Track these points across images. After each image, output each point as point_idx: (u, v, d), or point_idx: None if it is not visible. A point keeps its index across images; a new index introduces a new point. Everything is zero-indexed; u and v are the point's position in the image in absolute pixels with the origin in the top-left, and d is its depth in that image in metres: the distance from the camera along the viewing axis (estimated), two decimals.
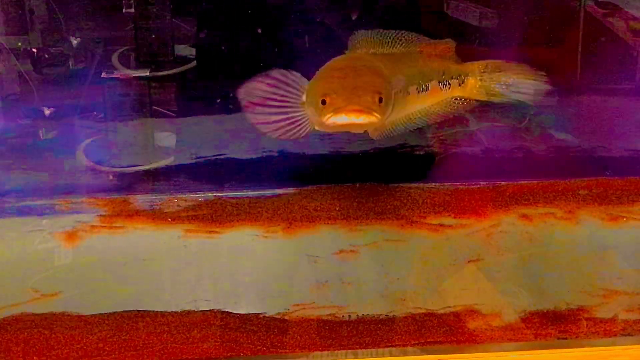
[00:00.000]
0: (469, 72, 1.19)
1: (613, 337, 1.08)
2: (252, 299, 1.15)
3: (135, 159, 1.46)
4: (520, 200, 1.31)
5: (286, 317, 1.11)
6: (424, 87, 1.14)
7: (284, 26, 1.58)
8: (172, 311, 1.11)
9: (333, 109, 0.98)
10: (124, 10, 1.61)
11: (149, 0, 1.60)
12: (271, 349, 1.06)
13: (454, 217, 1.28)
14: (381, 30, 1.16)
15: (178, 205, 1.29)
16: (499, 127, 1.53)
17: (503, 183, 1.35)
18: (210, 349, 1.06)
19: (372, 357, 1.06)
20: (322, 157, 1.43)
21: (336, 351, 1.07)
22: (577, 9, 1.74)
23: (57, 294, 1.15)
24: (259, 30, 1.58)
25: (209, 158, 1.42)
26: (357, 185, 1.34)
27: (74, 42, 1.67)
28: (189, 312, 1.11)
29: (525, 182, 1.35)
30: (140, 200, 1.30)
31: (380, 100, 1.00)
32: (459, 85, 1.18)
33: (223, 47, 1.62)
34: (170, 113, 1.61)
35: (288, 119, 1.07)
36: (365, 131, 1.10)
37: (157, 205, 1.29)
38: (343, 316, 1.12)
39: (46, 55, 1.61)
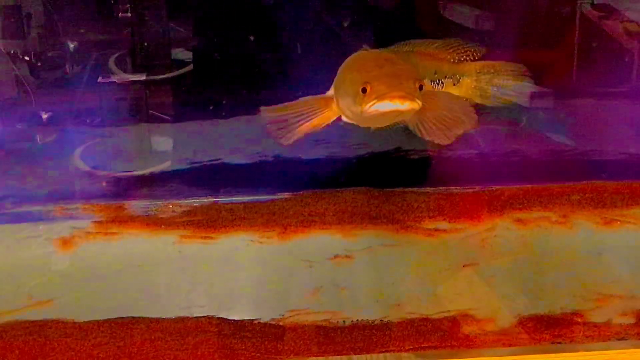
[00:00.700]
0: (465, 72, 1.18)
1: (607, 342, 1.08)
2: (247, 305, 1.15)
3: (131, 164, 1.46)
4: (515, 205, 1.31)
5: (281, 323, 1.11)
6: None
7: (280, 30, 1.59)
8: (166, 317, 1.11)
9: (376, 96, 0.97)
10: (120, 14, 1.62)
11: (146, 5, 1.60)
12: (265, 355, 1.06)
13: (449, 222, 1.28)
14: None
15: (173, 211, 1.29)
16: (496, 130, 1.53)
17: (498, 187, 1.35)
18: (204, 355, 1.06)
19: None
20: (317, 162, 1.43)
21: (331, 357, 1.07)
22: (573, 12, 1.75)
23: (52, 301, 1.15)
24: (253, 36, 1.59)
25: (204, 163, 1.43)
26: (352, 190, 1.34)
27: (71, 46, 1.67)
28: (183, 319, 1.11)
29: (520, 186, 1.35)
30: (135, 206, 1.30)
31: (421, 87, 1.00)
32: (454, 85, 1.17)
33: (219, 51, 1.62)
34: (166, 117, 1.61)
35: (314, 118, 1.09)
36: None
37: (152, 211, 1.29)
38: (338, 322, 1.12)
39: (43, 60, 1.61)
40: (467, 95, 1.19)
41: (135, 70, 1.61)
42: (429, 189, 1.35)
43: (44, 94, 1.58)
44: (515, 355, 1.06)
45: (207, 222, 1.27)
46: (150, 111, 1.63)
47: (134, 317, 1.11)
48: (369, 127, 1.14)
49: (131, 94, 1.60)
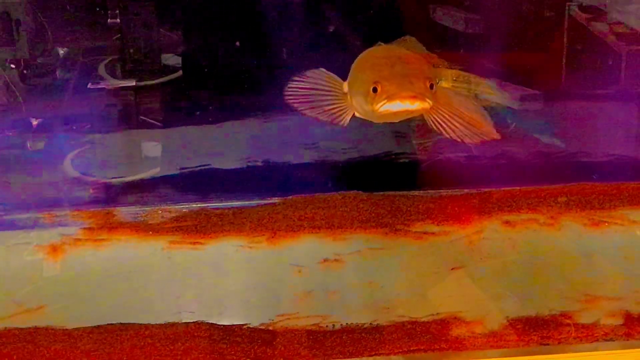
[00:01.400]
0: (442, 77, 1.19)
1: (595, 343, 1.09)
2: (237, 310, 1.15)
3: (121, 170, 1.46)
4: (503, 207, 1.31)
5: (270, 328, 1.11)
6: None
7: (268, 35, 1.59)
8: (156, 323, 1.11)
9: (386, 96, 0.98)
10: (109, 20, 1.62)
11: (135, 11, 1.60)
12: None
13: (438, 225, 1.28)
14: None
15: (162, 217, 1.29)
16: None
17: (486, 189, 1.35)
18: None
19: None
20: (306, 166, 1.43)
21: None
22: (561, 14, 1.76)
23: (41, 308, 1.15)
24: (242, 42, 1.59)
25: (194, 169, 1.43)
26: (341, 194, 1.35)
27: (61, 52, 1.67)
28: (173, 324, 1.11)
29: (508, 188, 1.35)
30: (124, 212, 1.31)
31: (432, 86, 1.01)
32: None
33: (209, 57, 1.63)
34: (156, 123, 1.62)
35: (331, 110, 1.09)
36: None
37: (141, 217, 1.29)
38: (327, 326, 1.12)
39: (33, 66, 1.61)
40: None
41: (125, 76, 1.62)
42: (417, 193, 1.35)
43: (33, 100, 1.58)
44: (505, 357, 1.06)
45: (197, 228, 1.27)
46: (141, 117, 1.64)
47: (123, 324, 1.10)
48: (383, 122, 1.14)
49: (121, 99, 1.60)
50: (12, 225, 1.29)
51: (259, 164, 1.43)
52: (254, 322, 1.12)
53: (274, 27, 1.58)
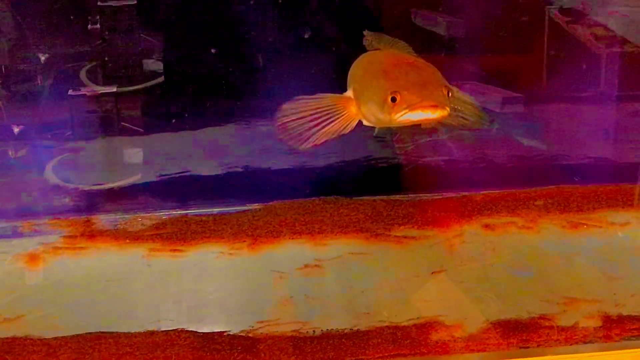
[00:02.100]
0: None
1: (574, 345, 1.09)
2: (217, 317, 1.15)
3: (101, 177, 1.45)
4: (483, 210, 1.32)
5: (250, 335, 1.11)
6: None
7: (250, 41, 1.59)
8: (135, 332, 1.10)
9: (407, 105, 0.98)
10: (89, 26, 1.61)
11: (117, 17, 1.60)
12: None
13: (418, 229, 1.28)
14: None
15: (142, 224, 1.28)
16: (467, 136, 1.54)
17: (466, 193, 1.36)
18: None
19: None
20: (287, 171, 1.43)
21: None
22: (541, 17, 1.77)
23: (20, 317, 1.14)
24: (224, 48, 1.59)
25: (173, 175, 1.42)
26: (322, 199, 1.35)
27: (42, 58, 1.66)
28: (152, 333, 1.10)
29: (488, 191, 1.36)
30: (104, 219, 1.30)
31: (448, 93, 1.01)
32: None
33: (190, 62, 1.62)
34: (137, 129, 1.61)
35: (332, 124, 1.08)
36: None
37: (121, 224, 1.29)
38: (308, 331, 1.12)
39: (13, 73, 1.60)
40: None
41: (106, 83, 1.61)
42: (398, 197, 1.36)
43: (14, 107, 1.57)
44: None
45: (177, 235, 1.27)
46: (122, 123, 1.63)
47: (102, 332, 1.10)
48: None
49: (102, 106, 1.60)
50: None
51: (239, 170, 1.43)
52: (235, 329, 1.12)
53: (255, 33, 1.58)
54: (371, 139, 1.50)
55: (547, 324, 1.11)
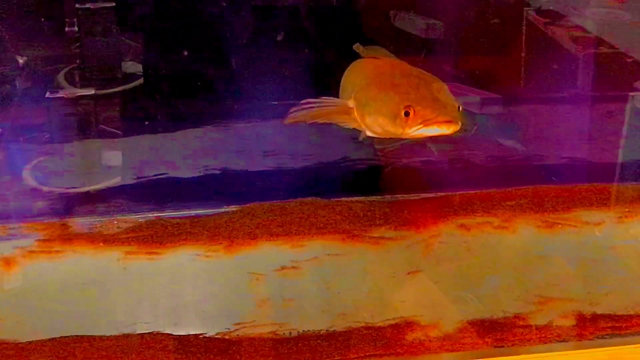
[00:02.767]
0: None
1: (549, 344, 1.10)
2: (193, 320, 1.14)
3: (78, 180, 1.45)
4: (459, 211, 1.32)
5: (227, 337, 1.11)
6: None
7: (229, 44, 1.59)
8: (110, 335, 1.10)
9: (422, 121, 0.98)
10: (66, 28, 1.61)
11: (95, 19, 1.59)
12: None
13: (395, 230, 1.29)
14: None
15: (118, 227, 1.28)
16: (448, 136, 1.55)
17: (442, 194, 1.37)
18: None
19: None
20: (264, 173, 1.43)
21: None
22: (519, 18, 1.78)
23: None
24: (203, 50, 1.59)
25: (151, 178, 1.42)
26: (299, 200, 1.35)
27: (21, 61, 1.65)
28: (127, 336, 1.10)
29: (465, 192, 1.37)
30: (80, 223, 1.29)
31: (459, 107, 1.01)
32: None
33: (168, 65, 1.62)
34: (115, 132, 1.60)
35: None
36: None
37: (97, 227, 1.28)
38: (284, 333, 1.12)
39: None
40: None
41: (84, 85, 1.60)
42: (375, 198, 1.36)
43: None
44: None
45: (153, 238, 1.26)
46: (100, 126, 1.62)
47: (77, 336, 1.09)
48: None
49: (80, 108, 1.59)
50: None
51: (217, 172, 1.43)
52: (211, 332, 1.12)
53: (233, 35, 1.58)
54: (350, 141, 1.50)
55: (522, 323, 1.12)
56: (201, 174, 1.42)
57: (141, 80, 1.63)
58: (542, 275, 1.21)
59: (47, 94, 1.57)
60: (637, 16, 1.80)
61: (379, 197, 1.36)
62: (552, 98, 1.75)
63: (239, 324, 1.13)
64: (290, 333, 1.12)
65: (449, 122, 0.98)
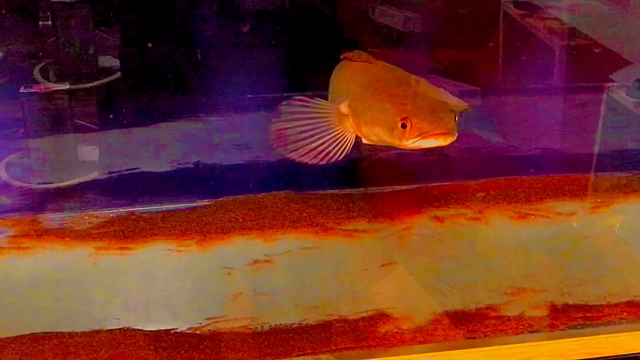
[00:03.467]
0: None
1: (521, 335, 1.10)
2: (164, 315, 1.13)
3: (49, 175, 1.43)
4: (433, 202, 1.32)
5: (198, 332, 1.10)
6: None
7: (208, 37, 1.58)
8: (80, 331, 1.09)
9: (419, 133, 0.99)
10: (40, 23, 1.59)
11: (70, 13, 1.57)
12: None
13: (368, 222, 1.28)
14: None
15: (89, 223, 1.27)
16: None
17: (416, 186, 1.36)
18: None
19: None
20: (238, 167, 1.42)
21: None
22: (497, 11, 1.78)
23: None
24: (178, 44, 1.58)
25: (122, 172, 1.41)
26: (272, 194, 1.34)
27: None
28: (97, 332, 1.08)
29: (438, 183, 1.37)
30: (50, 218, 1.28)
31: (456, 117, 1.02)
32: None
33: (142, 59, 1.61)
34: (90, 126, 1.59)
35: (329, 139, 1.08)
36: None
37: (67, 223, 1.27)
38: (256, 327, 1.11)
39: None
40: None
41: (59, 80, 1.59)
42: (349, 191, 1.35)
43: None
44: (431, 352, 1.07)
45: (124, 233, 1.25)
46: (75, 120, 1.61)
47: (46, 333, 1.08)
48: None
49: (56, 103, 1.57)
50: None
51: (190, 166, 1.42)
52: (182, 327, 1.11)
53: (209, 29, 1.56)
54: None
55: (494, 314, 1.12)
56: (173, 168, 1.41)
57: (117, 75, 1.61)
58: (514, 266, 1.21)
59: (22, 89, 1.55)
60: (614, 8, 1.81)
61: (353, 190, 1.36)
62: (528, 90, 1.75)
63: (210, 318, 1.12)
64: (262, 327, 1.11)
65: (445, 134, 0.99)
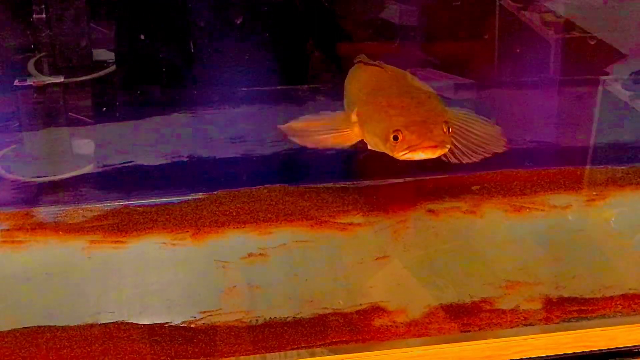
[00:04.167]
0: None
1: (515, 328, 1.10)
2: (158, 309, 1.13)
3: (43, 169, 1.43)
4: (427, 196, 1.32)
5: (192, 326, 1.10)
6: None
7: (202, 30, 1.57)
8: (73, 325, 1.08)
9: (408, 146, 1.01)
10: (34, 16, 1.58)
11: (64, 5, 1.57)
12: (175, 359, 1.05)
13: (363, 216, 1.28)
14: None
15: (83, 216, 1.26)
16: None
17: (411, 179, 1.36)
18: None
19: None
20: (233, 160, 1.42)
21: (242, 357, 1.06)
22: (492, 3, 1.77)
23: None
24: (174, 38, 1.57)
25: (117, 165, 1.40)
26: (267, 187, 1.34)
27: None
28: (91, 326, 1.08)
29: (433, 177, 1.36)
30: (44, 212, 1.28)
31: (449, 129, 1.03)
32: None
33: (138, 52, 1.60)
34: (86, 119, 1.58)
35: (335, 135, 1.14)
36: None
37: (61, 216, 1.26)
38: (250, 321, 1.11)
39: None
40: None
41: (53, 73, 1.58)
42: (343, 184, 1.35)
43: None
44: (425, 345, 1.07)
45: (118, 226, 1.24)
46: (70, 113, 1.60)
47: (39, 326, 1.08)
48: None
49: (50, 96, 1.57)
50: None
51: (184, 159, 1.41)
52: (176, 321, 1.11)
53: (204, 23, 1.56)
54: None
55: (488, 307, 1.12)
56: (168, 161, 1.41)
57: (112, 68, 1.61)
58: (509, 260, 1.21)
59: (16, 82, 1.54)
60: (610, 0, 1.80)
61: (347, 183, 1.35)
62: (524, 83, 1.75)
63: (205, 312, 1.12)
64: (257, 321, 1.11)
65: (434, 147, 1.01)
